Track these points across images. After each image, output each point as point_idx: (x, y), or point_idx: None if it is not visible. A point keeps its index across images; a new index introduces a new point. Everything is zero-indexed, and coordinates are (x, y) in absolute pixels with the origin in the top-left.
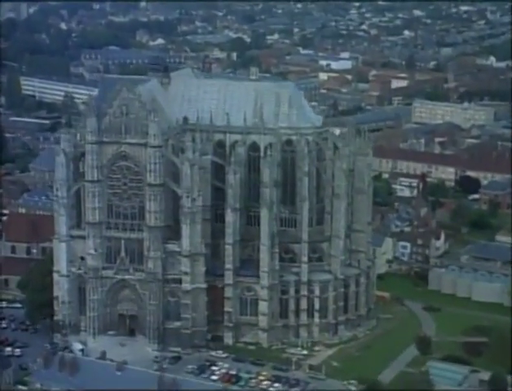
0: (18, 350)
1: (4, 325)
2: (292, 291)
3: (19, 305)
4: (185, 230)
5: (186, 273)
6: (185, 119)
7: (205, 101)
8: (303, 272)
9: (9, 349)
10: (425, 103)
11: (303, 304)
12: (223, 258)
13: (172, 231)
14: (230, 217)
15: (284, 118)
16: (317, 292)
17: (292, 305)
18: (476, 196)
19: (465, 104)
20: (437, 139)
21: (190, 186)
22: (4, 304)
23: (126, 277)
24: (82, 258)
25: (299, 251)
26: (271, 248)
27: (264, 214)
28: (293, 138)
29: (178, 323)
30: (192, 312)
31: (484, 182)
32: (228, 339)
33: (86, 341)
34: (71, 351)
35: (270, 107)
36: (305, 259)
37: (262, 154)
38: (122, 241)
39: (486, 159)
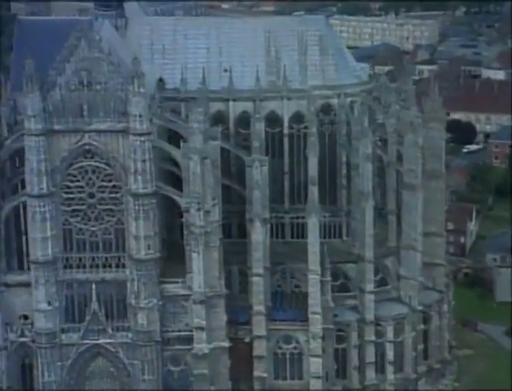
0: None
1: None
2: (354, 337)
3: None
4: (196, 260)
5: (200, 328)
6: (160, 82)
7: (188, 52)
8: (368, 306)
9: None
10: (345, 20)
11: (370, 354)
12: (240, 295)
13: (170, 264)
14: (258, 232)
15: (315, 72)
16: (390, 334)
17: (354, 359)
18: (473, 147)
19: (391, 17)
20: (379, 68)
21: (201, 193)
22: None
23: (102, 341)
24: (26, 317)
25: (355, 274)
26: (321, 275)
27: (313, 225)
28: (333, 101)
29: None
30: (210, 385)
31: (477, 126)
32: None
33: None
34: None
35: (291, 56)
36: (370, 287)
37: (286, 130)
38: (92, 285)
39: (469, 94)
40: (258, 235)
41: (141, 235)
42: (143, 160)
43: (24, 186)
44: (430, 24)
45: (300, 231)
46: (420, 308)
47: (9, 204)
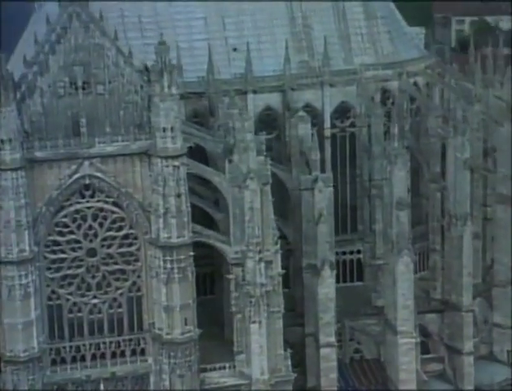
0: None
1: None
2: None
3: None
4: (257, 335)
5: None
6: (146, 71)
7: (177, 25)
8: (467, 373)
9: None
10: None
11: None
12: None
13: (208, 340)
14: (329, 284)
15: (362, 44)
16: None
17: None
18: None
19: None
20: None
21: (260, 239)
22: None
23: None
24: None
25: (438, 328)
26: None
27: (405, 267)
28: (392, 84)
29: None
30: None
31: None
32: None
33: None
34: None
35: (326, 23)
36: (469, 346)
37: (327, 130)
38: (99, 386)
39: None
40: (329, 287)
41: (176, 305)
42: (178, 195)
43: None
44: None
45: (351, 272)
46: None
47: None
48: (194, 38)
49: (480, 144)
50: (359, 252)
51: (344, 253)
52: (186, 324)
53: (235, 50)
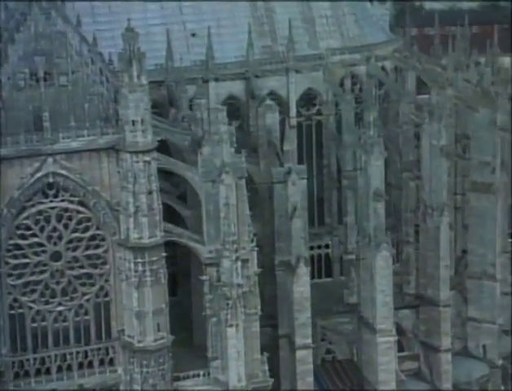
0: None
1: None
2: None
3: None
4: (234, 339)
5: None
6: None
7: (132, 10)
8: (444, 370)
9: None
10: None
11: None
12: None
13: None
14: (305, 282)
15: (327, 27)
16: None
17: None
18: None
19: None
20: None
21: (236, 237)
22: None
23: None
24: None
25: (412, 323)
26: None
27: (384, 261)
28: (360, 69)
29: None
30: None
31: None
32: None
33: None
34: None
35: (288, 5)
36: (446, 343)
37: (293, 119)
38: None
39: None
40: (305, 285)
41: (148, 310)
42: (149, 192)
43: None
44: None
45: (319, 268)
46: (500, 362)
47: None
48: (150, 23)
49: (453, 130)
50: (327, 246)
51: (311, 248)
52: (159, 330)
53: (193, 35)
